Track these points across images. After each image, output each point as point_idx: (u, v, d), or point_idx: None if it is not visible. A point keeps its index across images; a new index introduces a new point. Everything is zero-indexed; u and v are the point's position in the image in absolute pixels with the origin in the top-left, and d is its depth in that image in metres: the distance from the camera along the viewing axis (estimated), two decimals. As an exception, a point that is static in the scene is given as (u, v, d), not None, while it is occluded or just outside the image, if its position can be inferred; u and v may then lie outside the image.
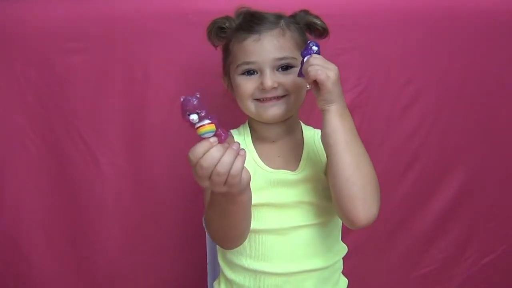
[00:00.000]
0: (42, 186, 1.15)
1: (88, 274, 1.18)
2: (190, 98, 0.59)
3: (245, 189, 0.67)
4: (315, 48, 0.78)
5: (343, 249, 0.92)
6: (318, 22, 0.91)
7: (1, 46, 1.10)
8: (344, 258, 0.92)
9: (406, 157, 1.19)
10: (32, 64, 1.10)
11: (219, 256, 0.93)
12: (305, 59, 0.78)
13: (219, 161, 0.60)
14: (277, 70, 0.85)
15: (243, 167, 0.62)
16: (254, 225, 0.85)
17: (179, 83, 1.13)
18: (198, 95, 0.59)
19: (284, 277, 0.84)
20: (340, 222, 0.93)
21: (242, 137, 0.92)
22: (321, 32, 0.92)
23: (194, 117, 0.59)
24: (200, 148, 0.60)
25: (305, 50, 0.79)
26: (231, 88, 0.92)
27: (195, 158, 0.60)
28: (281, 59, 0.84)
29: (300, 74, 0.80)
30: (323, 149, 0.88)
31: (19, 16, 1.09)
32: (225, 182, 0.61)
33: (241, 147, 0.89)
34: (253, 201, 0.84)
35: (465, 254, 1.25)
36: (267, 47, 0.83)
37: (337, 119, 0.76)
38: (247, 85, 0.85)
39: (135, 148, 1.15)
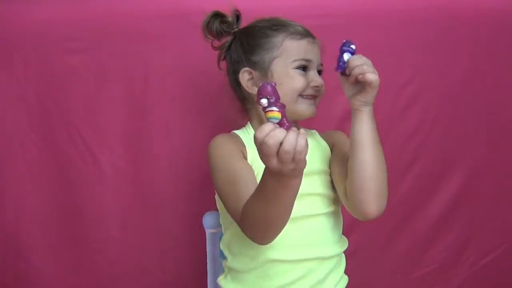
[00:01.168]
0: (42, 186, 1.15)
1: (88, 274, 1.18)
2: (266, 84, 0.65)
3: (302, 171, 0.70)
4: (353, 46, 0.81)
5: (345, 241, 0.94)
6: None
7: (1, 46, 1.10)
8: (345, 258, 0.93)
9: (406, 157, 1.19)
10: (32, 64, 1.10)
11: (223, 248, 0.93)
12: (346, 56, 0.81)
13: (283, 139, 0.63)
14: None
15: (306, 144, 0.65)
16: None
17: (179, 83, 1.13)
18: (273, 83, 0.66)
19: (292, 264, 0.86)
20: (341, 215, 0.95)
21: (248, 136, 0.93)
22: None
23: (264, 101, 0.65)
24: (265, 127, 0.64)
25: (343, 46, 0.82)
26: (261, 78, 0.91)
27: (261, 136, 0.63)
28: (321, 64, 0.94)
29: (341, 67, 0.81)
30: (326, 144, 0.95)
31: (19, 16, 1.09)
32: (293, 159, 0.64)
33: (251, 143, 0.90)
34: None
35: (465, 254, 1.25)
36: (317, 51, 0.93)
37: (369, 121, 0.82)
38: (302, 79, 0.90)
39: (135, 148, 1.15)
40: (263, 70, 0.91)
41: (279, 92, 0.65)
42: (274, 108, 0.65)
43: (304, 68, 0.91)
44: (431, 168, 1.20)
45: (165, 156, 1.14)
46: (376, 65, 1.13)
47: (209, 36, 0.96)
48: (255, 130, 0.94)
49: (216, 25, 0.95)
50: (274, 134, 0.63)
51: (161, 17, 1.10)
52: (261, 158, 0.65)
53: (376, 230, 1.20)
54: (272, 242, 0.84)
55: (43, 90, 1.12)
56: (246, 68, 0.92)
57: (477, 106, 1.19)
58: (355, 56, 0.80)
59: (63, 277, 1.17)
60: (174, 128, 1.14)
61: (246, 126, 0.96)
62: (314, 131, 0.99)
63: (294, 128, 0.65)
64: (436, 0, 1.16)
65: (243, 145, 0.91)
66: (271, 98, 0.64)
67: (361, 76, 0.78)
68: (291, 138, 0.63)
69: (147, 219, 1.17)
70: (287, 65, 0.90)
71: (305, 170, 0.85)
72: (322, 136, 0.98)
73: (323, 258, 0.88)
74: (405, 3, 1.14)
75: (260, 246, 0.85)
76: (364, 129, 0.82)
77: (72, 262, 1.17)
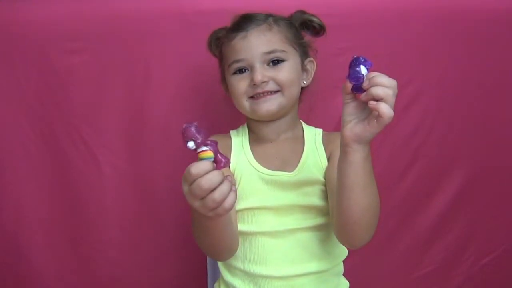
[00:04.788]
0: (42, 186, 1.15)
1: (88, 274, 1.18)
2: (188, 126, 0.62)
3: None
4: (370, 62, 0.66)
5: (343, 252, 0.91)
6: (315, 19, 0.92)
7: (1, 46, 1.10)
8: (344, 259, 0.92)
9: (406, 157, 1.19)
10: (32, 64, 1.10)
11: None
12: (364, 69, 0.65)
13: (217, 187, 0.60)
14: (268, 65, 0.85)
15: (234, 202, 0.62)
16: (251, 228, 0.85)
17: (179, 83, 1.13)
18: (195, 123, 0.62)
19: (283, 280, 0.83)
20: None
21: (239, 139, 0.92)
22: (317, 30, 0.93)
23: (190, 144, 0.61)
24: (203, 166, 0.60)
25: (361, 58, 0.67)
26: (229, 92, 0.92)
27: (196, 175, 0.59)
28: (269, 52, 0.84)
29: (356, 78, 0.65)
30: (324, 151, 0.88)
31: (19, 16, 1.09)
32: (214, 209, 0.61)
33: (238, 148, 0.89)
34: (250, 204, 0.85)
35: (465, 254, 1.24)
36: (255, 43, 0.84)
37: (362, 163, 0.68)
38: (239, 83, 0.86)
39: (135, 148, 1.15)
40: (226, 82, 0.91)
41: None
42: (204, 148, 0.61)
43: (241, 70, 0.86)
44: (431, 168, 1.20)
45: (165, 156, 1.14)
46: (376, 65, 1.14)
47: (217, 53, 0.95)
48: (250, 131, 0.93)
49: (213, 46, 0.95)
50: (210, 178, 0.59)
51: (161, 17, 1.10)
52: (185, 193, 0.61)
53: (376, 230, 1.19)
54: (260, 258, 0.83)
55: (43, 90, 1.12)
56: (221, 81, 0.94)
57: (477, 106, 1.19)
58: (381, 74, 0.64)
59: (63, 277, 1.17)
60: (174, 128, 1.13)
61: (242, 126, 0.96)
62: (319, 131, 0.93)
63: (230, 176, 0.62)
64: (436, 0, 1.15)
65: (229, 149, 0.89)
66: (198, 139, 0.61)
67: (373, 103, 0.62)
68: (224, 189, 0.59)
69: (147, 219, 1.17)
70: (227, 73, 0.88)
71: (297, 180, 0.85)
72: (324, 139, 0.91)
73: (314, 273, 0.84)
74: (405, 3, 1.14)
75: (250, 260, 0.84)
76: (352, 174, 0.68)
77: (72, 262, 1.17)
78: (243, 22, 0.87)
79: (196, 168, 0.59)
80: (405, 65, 1.15)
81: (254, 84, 0.83)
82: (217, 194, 0.59)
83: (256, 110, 0.86)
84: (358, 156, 0.67)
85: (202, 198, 0.60)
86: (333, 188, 0.79)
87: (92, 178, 1.14)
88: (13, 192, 1.14)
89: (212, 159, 0.61)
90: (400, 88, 1.13)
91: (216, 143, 0.62)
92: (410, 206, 1.21)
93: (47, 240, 1.16)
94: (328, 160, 0.87)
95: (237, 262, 0.86)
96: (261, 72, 0.83)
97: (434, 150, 1.19)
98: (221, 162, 0.62)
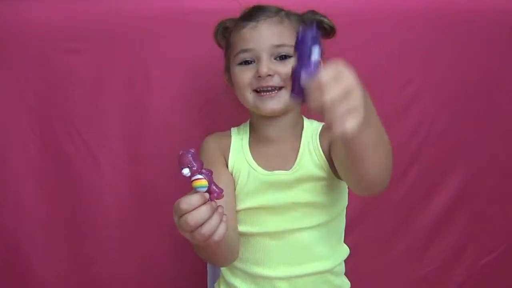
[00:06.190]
0: (42, 186, 1.14)
1: (88, 274, 1.18)
2: (184, 152, 0.62)
3: None
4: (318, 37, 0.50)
5: (344, 251, 0.90)
6: (326, 20, 0.90)
7: (1, 46, 1.09)
8: (345, 259, 0.92)
9: (406, 157, 1.19)
10: (32, 64, 1.10)
11: None
12: (316, 52, 0.49)
13: (205, 222, 0.60)
14: (275, 59, 0.83)
15: (225, 233, 0.62)
16: (251, 229, 0.85)
17: (179, 83, 1.13)
18: (192, 151, 0.62)
19: (284, 281, 0.83)
20: (342, 223, 0.91)
21: (240, 137, 0.92)
22: (328, 31, 0.91)
23: (185, 171, 0.61)
24: (192, 201, 0.60)
25: (309, 32, 0.49)
26: (231, 83, 0.90)
27: (184, 210, 0.59)
28: (278, 46, 0.83)
29: (297, 92, 0.52)
30: (319, 145, 0.85)
31: (19, 16, 1.09)
32: (205, 240, 0.62)
33: (237, 147, 0.89)
34: (249, 204, 0.84)
35: (465, 254, 1.24)
36: (265, 34, 0.83)
37: (361, 135, 0.56)
38: (244, 74, 0.84)
39: (135, 148, 1.15)
40: (229, 72, 0.89)
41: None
42: (199, 176, 0.61)
43: (249, 62, 0.84)
44: (431, 168, 1.20)
45: (165, 156, 1.14)
46: (377, 65, 1.14)
47: (223, 44, 0.94)
48: (252, 130, 0.92)
49: (219, 35, 0.94)
50: (198, 214, 0.59)
51: (161, 17, 1.10)
52: (175, 223, 0.62)
53: (376, 229, 1.20)
54: (260, 259, 0.83)
55: (43, 90, 1.12)
56: (225, 72, 0.92)
57: (477, 106, 1.19)
58: (326, 71, 0.48)
59: (63, 277, 1.17)
60: (174, 128, 1.14)
61: (244, 124, 0.95)
62: (320, 125, 0.90)
63: (221, 208, 0.62)
64: (436, 0, 1.15)
65: (227, 148, 0.89)
66: (193, 166, 0.61)
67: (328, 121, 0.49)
68: (213, 224, 0.60)
69: (147, 219, 1.17)
70: (233, 63, 0.86)
71: (295, 178, 0.84)
72: (322, 130, 0.87)
73: (315, 274, 0.84)
74: (405, 3, 1.14)
75: (250, 261, 0.84)
76: (359, 146, 0.62)
77: (72, 262, 1.17)
78: (255, 12, 0.85)
79: (185, 203, 0.59)
80: (405, 65, 1.15)
81: (259, 76, 0.82)
82: (205, 229, 0.60)
83: (260, 108, 0.84)
84: (359, 137, 0.57)
85: (191, 231, 0.61)
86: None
87: (92, 178, 1.14)
88: (13, 192, 1.14)
89: (206, 188, 0.61)
90: (400, 88, 1.16)
91: (211, 172, 0.62)
92: (410, 206, 1.21)
93: (47, 240, 1.16)
94: (330, 146, 0.82)
95: (238, 262, 0.86)
96: (267, 65, 0.81)
97: (434, 150, 1.19)
98: (214, 192, 0.62)
